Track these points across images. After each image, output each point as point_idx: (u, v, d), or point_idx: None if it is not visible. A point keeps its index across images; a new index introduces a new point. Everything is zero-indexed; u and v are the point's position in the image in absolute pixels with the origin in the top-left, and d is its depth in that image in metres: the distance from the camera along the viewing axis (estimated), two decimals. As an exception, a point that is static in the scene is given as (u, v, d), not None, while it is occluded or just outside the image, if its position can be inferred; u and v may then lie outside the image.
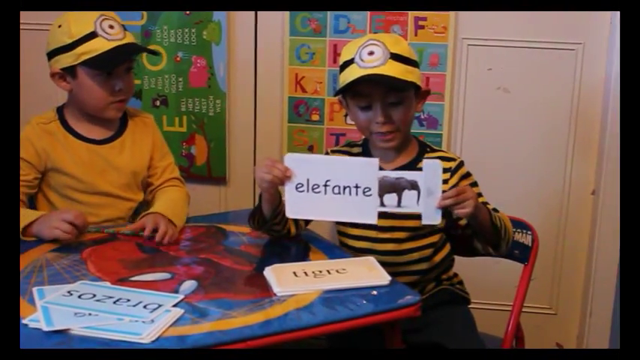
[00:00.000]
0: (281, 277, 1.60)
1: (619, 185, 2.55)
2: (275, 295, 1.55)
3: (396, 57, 1.77)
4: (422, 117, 2.63)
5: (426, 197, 1.65)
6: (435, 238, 1.90)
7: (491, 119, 2.63)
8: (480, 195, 1.85)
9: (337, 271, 1.64)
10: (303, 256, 1.80)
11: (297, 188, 1.70)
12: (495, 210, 1.86)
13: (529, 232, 2.05)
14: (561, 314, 2.76)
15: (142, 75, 2.68)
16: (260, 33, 2.65)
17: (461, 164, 1.87)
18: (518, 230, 2.06)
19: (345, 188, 1.67)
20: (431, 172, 1.65)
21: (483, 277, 2.59)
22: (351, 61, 1.78)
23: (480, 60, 2.60)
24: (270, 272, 1.64)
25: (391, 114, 1.79)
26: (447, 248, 1.96)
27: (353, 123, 1.91)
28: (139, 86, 2.69)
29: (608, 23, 2.51)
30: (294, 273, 1.63)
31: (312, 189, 1.68)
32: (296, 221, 1.89)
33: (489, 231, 1.79)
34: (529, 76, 2.59)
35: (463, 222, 1.85)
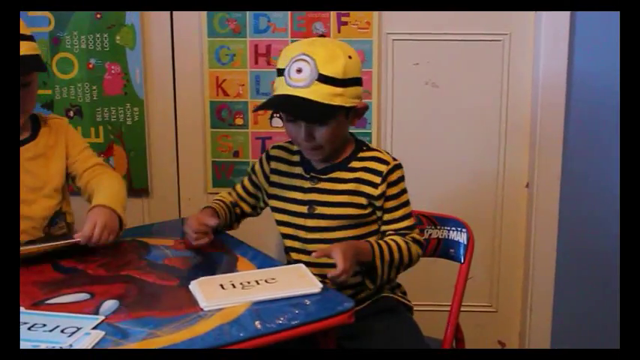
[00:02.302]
0: (208, 291, 1.59)
1: (554, 177, 2.61)
2: (202, 310, 1.53)
3: (323, 79, 1.76)
4: (350, 116, 2.64)
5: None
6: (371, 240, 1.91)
7: (421, 115, 2.66)
8: (405, 204, 1.88)
9: (266, 281, 1.63)
10: (231, 268, 1.78)
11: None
12: (411, 228, 1.87)
13: (464, 230, 2.07)
14: (502, 311, 2.80)
15: (53, 84, 2.63)
16: (177, 35, 2.62)
17: (393, 169, 1.87)
18: (453, 228, 2.08)
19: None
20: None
21: (420, 279, 2.60)
22: (282, 72, 1.81)
23: (406, 55, 2.62)
24: (196, 286, 1.62)
25: (315, 134, 1.82)
26: None
27: (278, 126, 1.94)
28: (50, 97, 2.63)
29: (533, 12, 2.56)
30: (221, 285, 1.62)
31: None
32: (248, 203, 2.05)
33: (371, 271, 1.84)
34: (457, 69, 2.62)
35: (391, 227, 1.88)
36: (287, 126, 1.86)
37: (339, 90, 1.77)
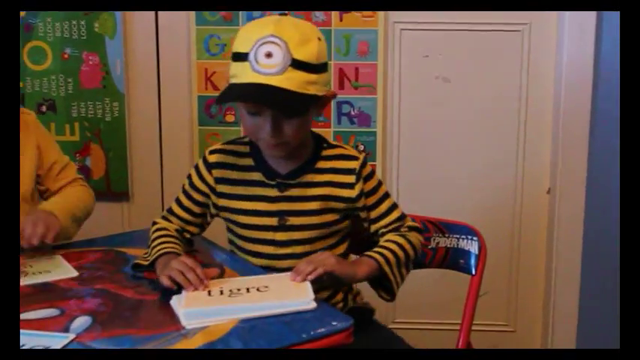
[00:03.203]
0: (191, 305, 1.58)
1: (578, 181, 2.60)
2: (184, 328, 1.52)
3: (298, 64, 1.70)
4: (352, 113, 2.64)
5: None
6: (341, 249, 1.90)
7: (431, 113, 2.66)
8: (387, 196, 1.87)
9: (258, 289, 1.63)
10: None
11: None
12: (401, 219, 1.87)
13: (475, 238, 2.06)
14: (520, 332, 2.80)
15: (24, 76, 2.63)
16: (162, 23, 2.63)
17: (364, 163, 1.85)
18: (463, 236, 2.07)
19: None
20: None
21: (427, 293, 2.61)
22: (244, 57, 1.73)
23: (415, 46, 2.62)
24: (177, 301, 1.61)
25: (282, 127, 1.74)
26: (346, 255, 1.97)
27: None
28: (21, 90, 2.64)
29: None
30: (209, 292, 1.62)
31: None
32: (194, 224, 1.92)
33: (376, 280, 1.82)
34: (471, 62, 2.62)
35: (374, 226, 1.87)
36: (247, 120, 1.77)
37: (313, 77, 1.71)
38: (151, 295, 1.69)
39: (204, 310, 1.55)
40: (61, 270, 1.84)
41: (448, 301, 2.60)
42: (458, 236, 2.08)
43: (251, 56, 1.70)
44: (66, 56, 2.63)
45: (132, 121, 2.69)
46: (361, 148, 2.65)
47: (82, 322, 1.56)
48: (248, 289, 1.63)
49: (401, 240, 1.83)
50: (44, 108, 2.66)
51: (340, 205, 1.84)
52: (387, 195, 1.87)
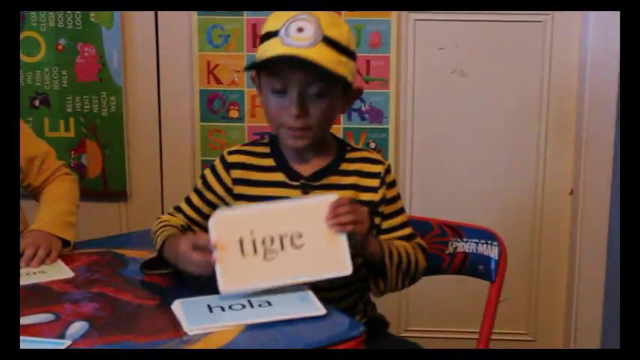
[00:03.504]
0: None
1: (603, 182, 2.60)
2: (186, 334, 1.53)
3: (329, 41, 1.74)
4: (363, 109, 2.64)
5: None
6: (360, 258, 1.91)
7: (447, 109, 2.66)
8: (402, 211, 1.87)
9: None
10: (221, 285, 1.77)
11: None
12: (413, 236, 1.87)
13: (494, 243, 2.06)
14: (541, 341, 2.80)
15: (16, 69, 2.64)
16: (161, 13, 2.63)
17: (388, 169, 1.86)
18: (482, 241, 2.07)
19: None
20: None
21: (444, 301, 2.61)
22: (274, 34, 1.75)
23: (430, 38, 2.62)
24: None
25: (309, 107, 1.76)
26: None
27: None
28: (13, 83, 2.64)
29: (580, -11, 2.56)
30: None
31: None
32: (202, 226, 1.87)
33: (379, 266, 1.80)
34: (489, 55, 2.62)
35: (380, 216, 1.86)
36: (271, 102, 1.79)
37: (342, 58, 1.75)
38: (150, 300, 1.69)
39: (210, 326, 1.55)
40: (56, 270, 1.85)
41: (465, 309, 2.60)
42: (477, 241, 2.08)
43: (281, 32, 1.73)
44: (60, 47, 2.64)
45: (130, 117, 2.70)
46: (372, 145, 2.65)
47: (78, 327, 1.56)
48: (282, 241, 1.62)
49: (410, 250, 1.83)
50: (37, 102, 2.67)
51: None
52: (402, 210, 1.88)
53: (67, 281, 1.80)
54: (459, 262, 2.12)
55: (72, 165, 2.68)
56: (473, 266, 2.09)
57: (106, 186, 2.71)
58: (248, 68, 1.83)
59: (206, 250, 1.65)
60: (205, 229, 1.87)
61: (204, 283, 1.80)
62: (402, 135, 2.68)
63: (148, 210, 2.72)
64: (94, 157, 2.70)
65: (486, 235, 2.08)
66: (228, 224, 1.65)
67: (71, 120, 2.69)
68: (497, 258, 2.05)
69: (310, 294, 1.67)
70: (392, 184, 1.86)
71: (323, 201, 1.66)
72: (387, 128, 2.65)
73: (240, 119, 2.67)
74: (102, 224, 2.65)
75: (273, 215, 1.66)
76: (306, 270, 1.62)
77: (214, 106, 2.67)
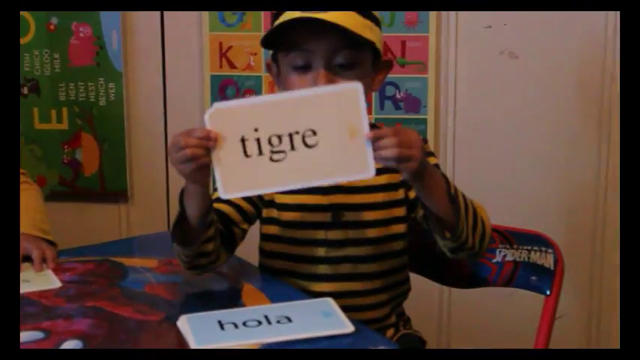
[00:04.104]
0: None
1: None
2: (193, 354, 1.53)
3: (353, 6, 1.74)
4: (398, 96, 2.64)
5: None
6: (404, 259, 1.90)
7: (494, 95, 2.65)
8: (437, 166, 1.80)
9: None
10: (233, 299, 1.77)
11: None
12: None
13: (550, 250, 2.04)
14: (602, 362, 2.77)
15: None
16: (167, -13, 2.64)
17: (425, 140, 1.83)
18: (535, 248, 2.06)
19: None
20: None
21: (492, 316, 2.59)
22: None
23: (474, 15, 2.60)
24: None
25: (337, 81, 1.73)
26: (406, 265, 1.95)
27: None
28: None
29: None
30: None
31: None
32: (227, 242, 1.83)
33: (443, 205, 1.71)
34: (543, 34, 2.61)
35: (411, 193, 1.83)
36: (292, 80, 1.77)
37: (368, 22, 1.75)
38: (153, 315, 1.70)
39: (221, 345, 1.54)
40: (41, 280, 1.86)
41: (515, 326, 2.59)
42: (529, 248, 2.06)
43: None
44: (52, 27, 2.66)
45: (131, 106, 2.71)
46: (408, 138, 2.64)
47: (70, 346, 1.56)
48: (292, 139, 1.56)
49: (470, 202, 1.77)
50: (25, 90, 2.69)
51: (402, 194, 1.84)
52: (437, 165, 1.84)
53: (56, 293, 1.81)
54: (508, 273, 2.11)
55: (65, 161, 2.69)
56: (524, 277, 2.08)
57: (103, 185, 2.73)
58: (264, 41, 1.78)
59: (201, 143, 1.57)
60: (242, 230, 1.86)
61: (215, 296, 1.80)
62: (443, 126, 2.67)
63: (152, 213, 2.74)
64: (91, 152, 2.71)
65: (540, 241, 2.06)
66: (227, 119, 1.57)
67: (64, 110, 2.70)
68: (552, 268, 2.04)
69: (336, 308, 1.66)
70: (429, 155, 1.81)
71: (343, 89, 1.58)
72: (425, 119, 2.65)
73: (257, 108, 2.66)
74: (98, 229, 2.67)
75: (282, 109, 1.58)
76: (320, 172, 1.56)
77: (228, 93, 2.68)
